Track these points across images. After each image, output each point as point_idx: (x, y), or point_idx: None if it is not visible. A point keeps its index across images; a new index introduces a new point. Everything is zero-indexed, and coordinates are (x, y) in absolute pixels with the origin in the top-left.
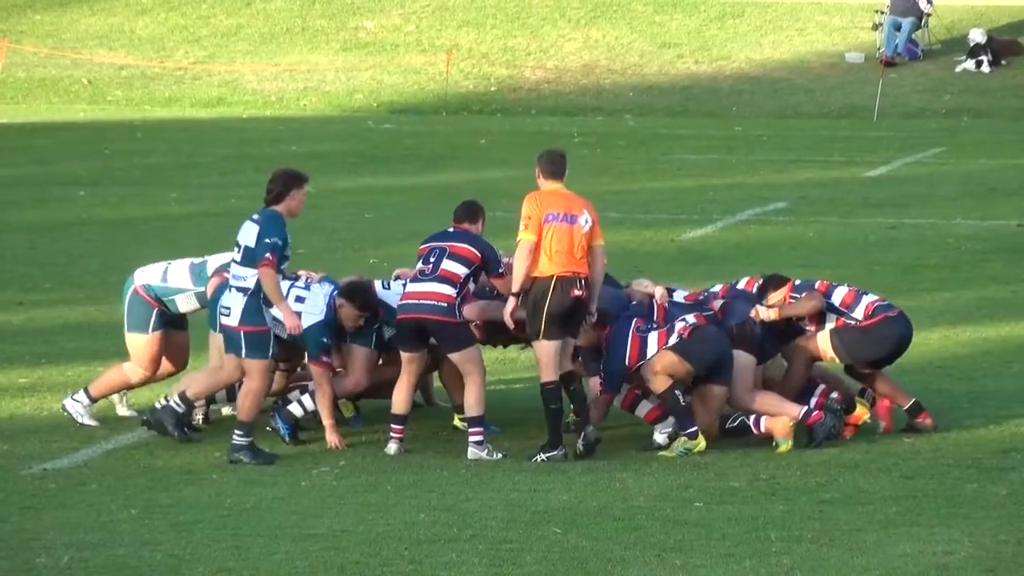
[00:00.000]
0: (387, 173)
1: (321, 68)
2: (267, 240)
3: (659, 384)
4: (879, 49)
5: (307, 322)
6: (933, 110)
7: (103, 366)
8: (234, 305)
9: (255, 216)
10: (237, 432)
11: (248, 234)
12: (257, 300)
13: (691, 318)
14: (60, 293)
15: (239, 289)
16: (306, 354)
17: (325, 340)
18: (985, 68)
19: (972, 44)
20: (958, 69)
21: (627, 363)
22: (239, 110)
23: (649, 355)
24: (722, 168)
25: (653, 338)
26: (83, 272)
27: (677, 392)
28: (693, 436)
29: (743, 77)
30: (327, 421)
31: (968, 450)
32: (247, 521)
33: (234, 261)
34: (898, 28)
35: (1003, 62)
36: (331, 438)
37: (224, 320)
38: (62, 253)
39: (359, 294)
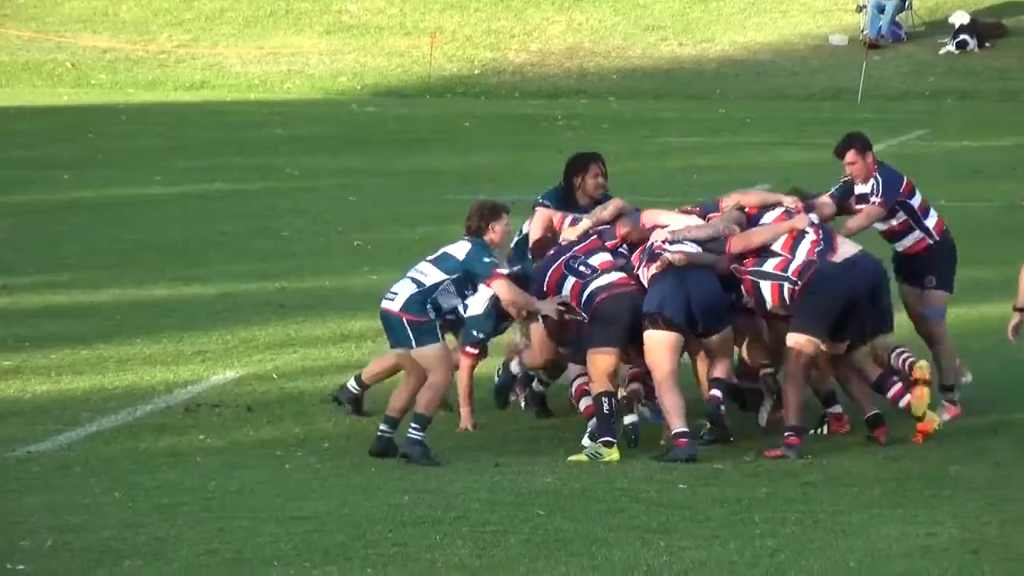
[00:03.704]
0: (371, 156)
1: (305, 51)
2: (485, 259)
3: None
4: (863, 31)
5: (470, 313)
6: (917, 92)
7: (87, 349)
8: (401, 291)
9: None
10: (413, 425)
11: (458, 248)
12: (425, 296)
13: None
14: (44, 276)
15: (414, 280)
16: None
17: (476, 333)
18: (972, 48)
19: (957, 26)
20: (942, 52)
21: None
22: (223, 93)
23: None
24: (706, 150)
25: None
26: (67, 255)
27: (604, 400)
28: (608, 445)
29: (727, 59)
30: (464, 408)
31: (952, 432)
32: (231, 503)
33: (426, 259)
34: (882, 10)
35: (987, 44)
36: (464, 422)
37: (387, 304)
38: (46, 236)
39: None
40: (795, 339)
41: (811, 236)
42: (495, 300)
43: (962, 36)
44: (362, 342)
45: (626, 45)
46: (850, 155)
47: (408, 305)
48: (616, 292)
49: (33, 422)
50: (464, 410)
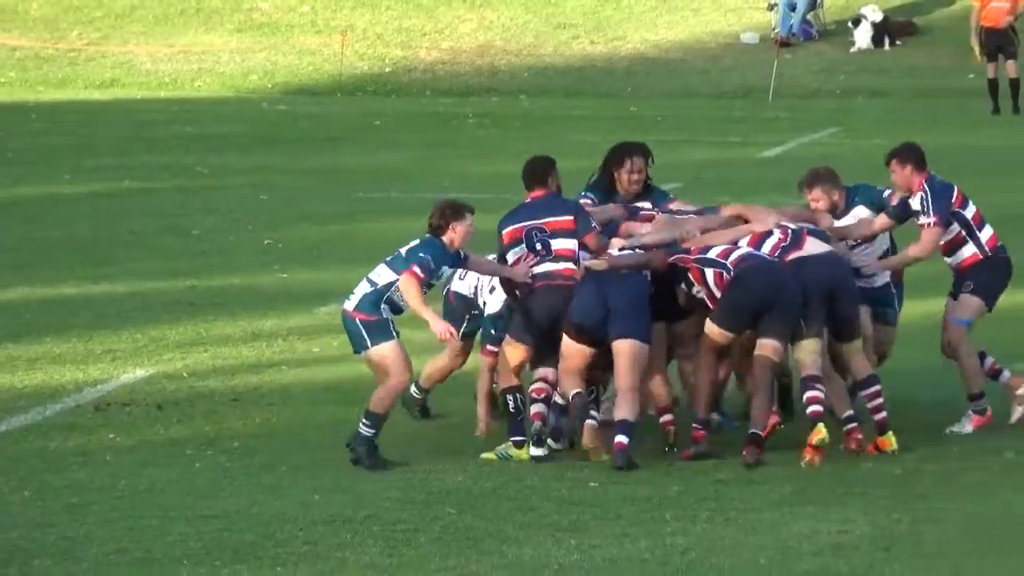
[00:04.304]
0: (282, 154)
1: (216, 49)
2: (421, 254)
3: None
4: (774, 29)
5: (488, 311)
6: (828, 90)
7: None
8: (358, 291)
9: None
10: (364, 421)
11: (409, 243)
12: (378, 296)
13: None
14: None
15: (369, 280)
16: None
17: (495, 332)
18: (885, 46)
19: (868, 21)
20: (853, 49)
21: None
22: (133, 91)
23: None
24: None
25: None
26: None
27: (510, 397)
28: (518, 445)
29: (638, 58)
30: (481, 409)
31: (864, 431)
32: (141, 502)
33: (384, 260)
34: (793, 8)
35: (898, 42)
36: (481, 424)
37: (344, 304)
38: None
39: None
40: (708, 327)
41: (777, 236)
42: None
43: (872, 32)
44: (273, 340)
45: (537, 43)
46: (893, 163)
47: (361, 304)
48: (554, 284)
49: None
50: (481, 410)
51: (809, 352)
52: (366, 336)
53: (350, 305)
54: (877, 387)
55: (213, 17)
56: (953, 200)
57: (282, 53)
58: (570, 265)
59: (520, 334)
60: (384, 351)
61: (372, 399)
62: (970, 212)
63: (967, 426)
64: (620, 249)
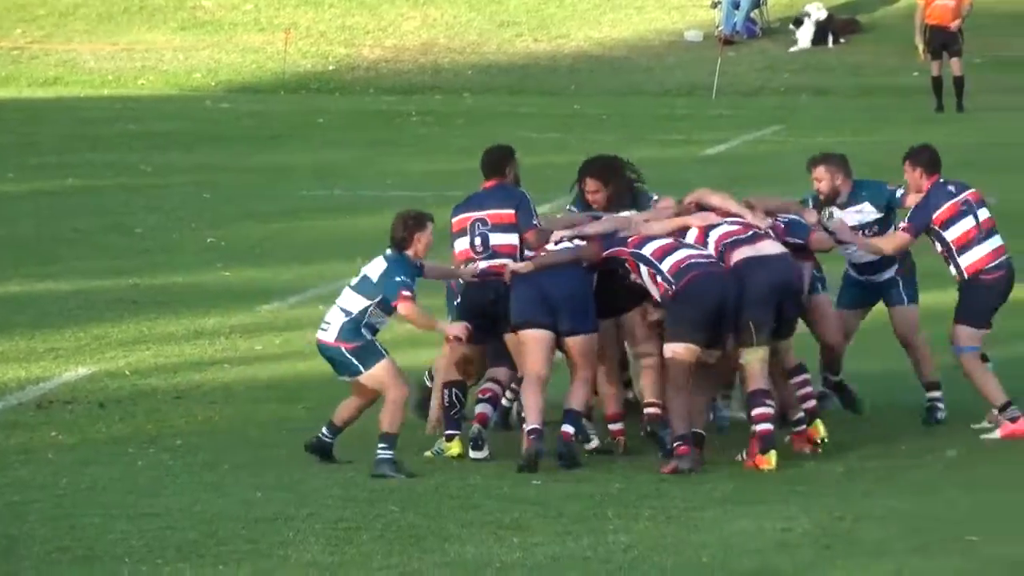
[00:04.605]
0: (225, 152)
1: (159, 47)
2: (397, 278)
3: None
4: (718, 27)
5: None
6: (772, 88)
7: None
8: (334, 321)
9: (387, 253)
10: (381, 445)
11: (375, 268)
12: (356, 324)
13: None
14: None
15: (343, 310)
16: None
17: None
18: (829, 44)
19: (812, 19)
20: (793, 49)
21: None
22: (76, 89)
23: None
24: (561, 147)
25: None
26: None
27: (446, 392)
28: (449, 439)
29: (582, 55)
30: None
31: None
32: (83, 501)
33: (348, 286)
34: (737, 6)
35: (842, 40)
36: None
37: (322, 336)
38: None
39: None
40: (669, 349)
41: (725, 228)
42: None
43: (816, 30)
44: (215, 338)
45: (481, 41)
46: (906, 164)
47: (343, 334)
48: (487, 280)
49: None
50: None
51: (759, 360)
52: (357, 363)
53: (330, 336)
54: (806, 376)
55: (156, 15)
56: (935, 217)
57: (225, 51)
58: (508, 261)
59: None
60: (378, 373)
61: (382, 421)
62: (953, 234)
63: (996, 433)
64: (557, 242)
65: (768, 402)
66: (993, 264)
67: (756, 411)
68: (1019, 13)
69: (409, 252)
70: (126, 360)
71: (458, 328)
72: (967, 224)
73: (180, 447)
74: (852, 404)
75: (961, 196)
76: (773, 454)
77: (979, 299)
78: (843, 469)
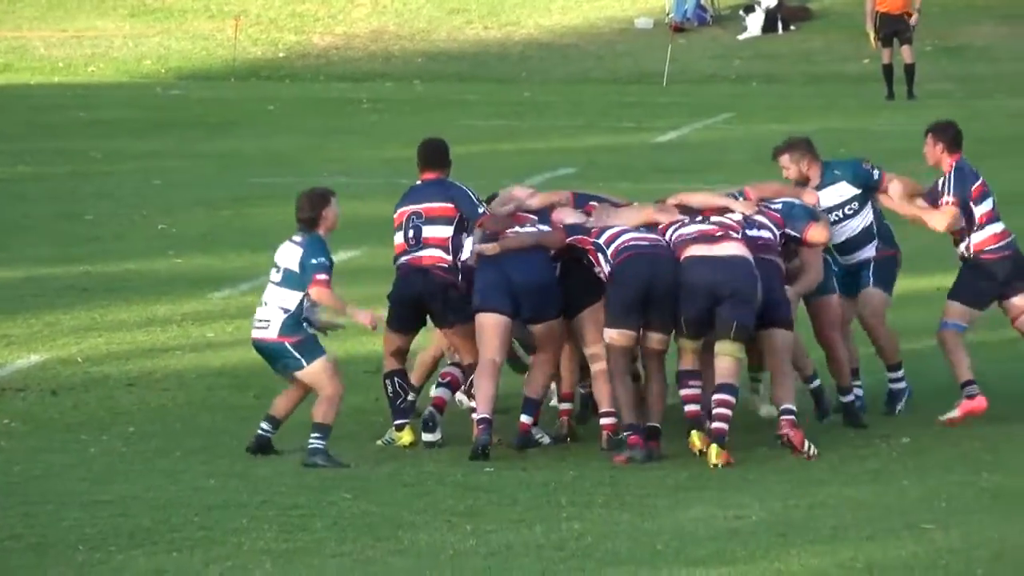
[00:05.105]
0: (175, 139)
1: (109, 34)
2: (313, 261)
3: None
4: (668, 15)
5: None
6: (723, 75)
7: None
8: (273, 318)
9: (296, 238)
10: (314, 435)
11: (290, 257)
12: (295, 318)
13: None
14: None
15: (280, 307)
16: None
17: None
18: (779, 31)
19: (762, 7)
20: (741, 37)
21: None
22: (26, 76)
23: None
24: (511, 134)
25: None
26: None
27: (388, 382)
28: (399, 428)
29: (532, 43)
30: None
31: (759, 415)
32: (36, 488)
33: (272, 282)
34: None
35: (792, 27)
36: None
37: (261, 333)
38: None
39: None
40: (606, 335)
41: (695, 228)
42: None
43: (765, 17)
44: (167, 325)
45: (431, 28)
46: (928, 137)
47: (284, 329)
48: (414, 267)
49: None
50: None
51: (726, 354)
52: (299, 357)
53: (271, 332)
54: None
55: (106, 2)
56: (972, 190)
57: (175, 38)
58: (437, 253)
59: (390, 321)
60: (316, 368)
61: (316, 413)
62: (982, 210)
63: (955, 411)
64: (521, 225)
65: (725, 398)
66: (1000, 244)
67: (713, 408)
68: (969, 1)
69: (320, 231)
70: (78, 347)
71: (365, 316)
72: (990, 204)
73: (133, 434)
74: (823, 414)
75: (982, 178)
76: (714, 448)
77: (976, 277)
78: (796, 457)
